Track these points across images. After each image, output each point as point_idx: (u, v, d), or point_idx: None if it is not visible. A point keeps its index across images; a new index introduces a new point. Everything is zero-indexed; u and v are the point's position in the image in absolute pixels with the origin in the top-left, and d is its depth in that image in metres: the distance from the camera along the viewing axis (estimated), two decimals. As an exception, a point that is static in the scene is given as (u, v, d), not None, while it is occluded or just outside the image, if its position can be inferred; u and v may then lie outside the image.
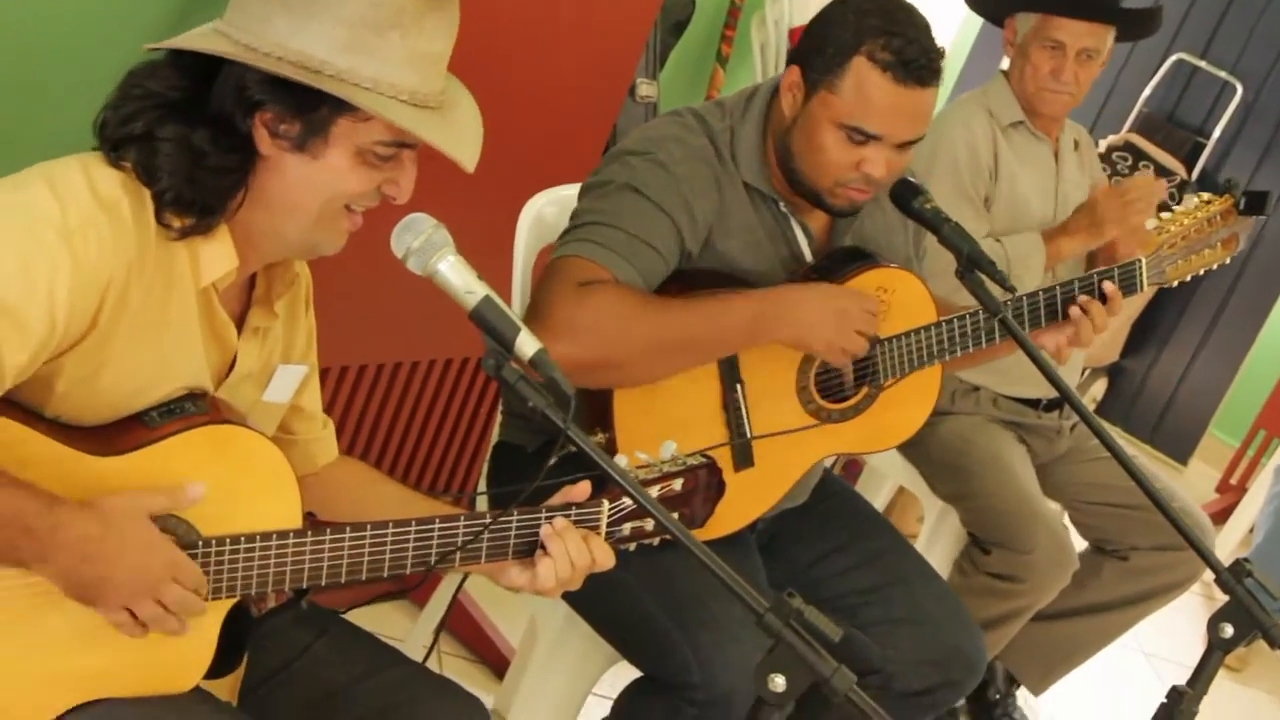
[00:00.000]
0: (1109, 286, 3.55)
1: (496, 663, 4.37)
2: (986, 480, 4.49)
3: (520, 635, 4.07)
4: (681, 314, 3.13)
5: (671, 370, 3.17)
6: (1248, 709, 5.79)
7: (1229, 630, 2.90)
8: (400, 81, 2.37)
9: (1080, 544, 4.70)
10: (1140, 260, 3.60)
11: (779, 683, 2.22)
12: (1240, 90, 7.17)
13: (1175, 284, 3.78)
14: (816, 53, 3.24)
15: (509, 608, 4.37)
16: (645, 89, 5.32)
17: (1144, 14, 4.59)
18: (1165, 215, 3.76)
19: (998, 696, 4.97)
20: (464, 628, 4.44)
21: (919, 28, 3.22)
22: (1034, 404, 4.70)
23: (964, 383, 4.61)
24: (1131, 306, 7.04)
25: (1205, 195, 3.78)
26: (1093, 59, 4.49)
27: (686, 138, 3.32)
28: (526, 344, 2.31)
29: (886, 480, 5.02)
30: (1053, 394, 4.64)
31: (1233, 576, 2.91)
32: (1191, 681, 2.91)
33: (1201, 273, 3.85)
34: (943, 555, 4.66)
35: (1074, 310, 3.55)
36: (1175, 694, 2.90)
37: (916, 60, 3.16)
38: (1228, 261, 3.82)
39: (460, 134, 2.46)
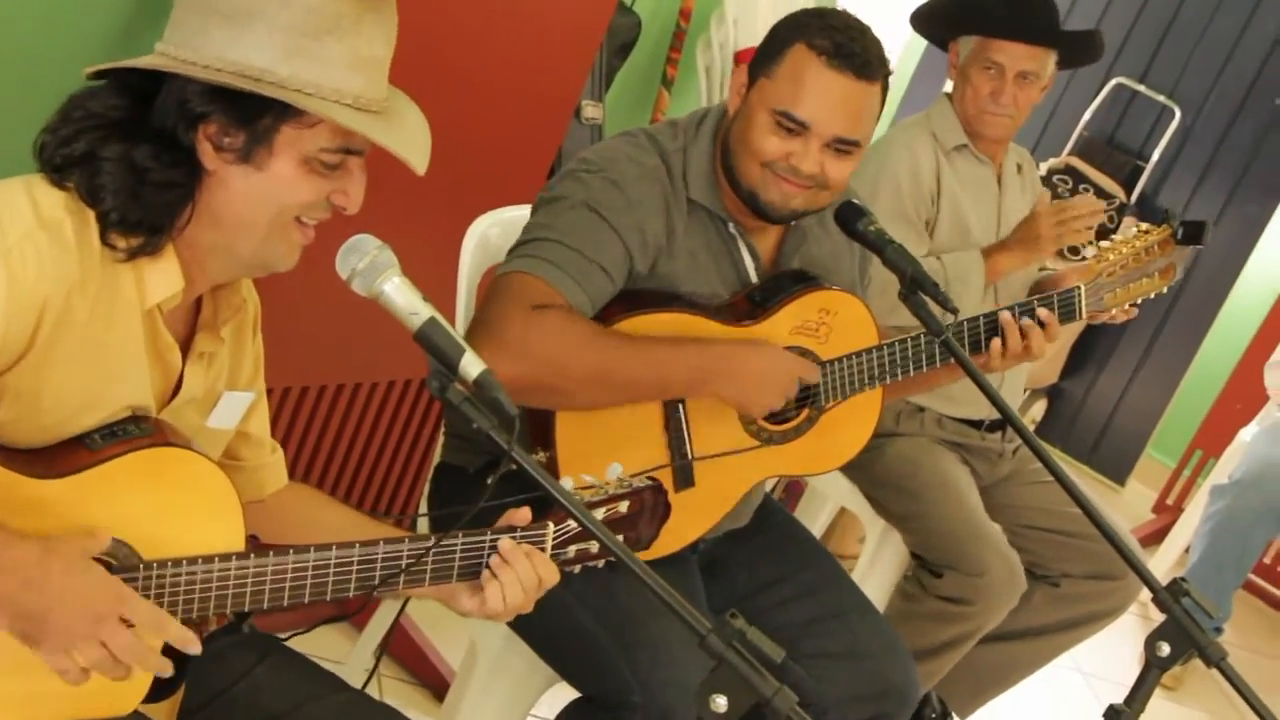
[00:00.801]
0: (1043, 313, 3.56)
1: (437, 685, 4.36)
2: (935, 502, 4.49)
3: (460, 657, 4.05)
4: (629, 354, 3.13)
5: (611, 403, 3.17)
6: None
7: (1165, 649, 2.91)
8: (343, 86, 2.36)
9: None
10: (1079, 287, 3.62)
11: (720, 703, 2.20)
12: (1179, 114, 7.22)
13: (1113, 313, 3.78)
14: (761, 51, 3.29)
15: (450, 630, 4.36)
16: (591, 111, 5.32)
17: (1083, 37, 4.62)
18: (1104, 244, 3.78)
19: (934, 715, 4.97)
20: (404, 650, 4.43)
21: (860, 29, 3.25)
22: (977, 425, 4.71)
23: (909, 404, 4.61)
24: (1070, 329, 7.07)
25: (1144, 225, 3.80)
26: (1032, 82, 4.51)
27: (640, 157, 3.32)
28: (471, 365, 2.30)
29: (828, 501, 5.01)
30: (995, 415, 4.65)
31: (1170, 596, 2.92)
32: (1129, 700, 2.91)
33: (1139, 301, 3.86)
34: (883, 577, 4.66)
35: (1025, 322, 3.58)
36: (1113, 712, 2.90)
37: (852, 49, 3.18)
38: (1165, 291, 3.84)
39: (409, 137, 2.46)
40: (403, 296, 2.32)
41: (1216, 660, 2.91)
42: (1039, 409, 7.55)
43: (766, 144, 3.22)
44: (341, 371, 4.22)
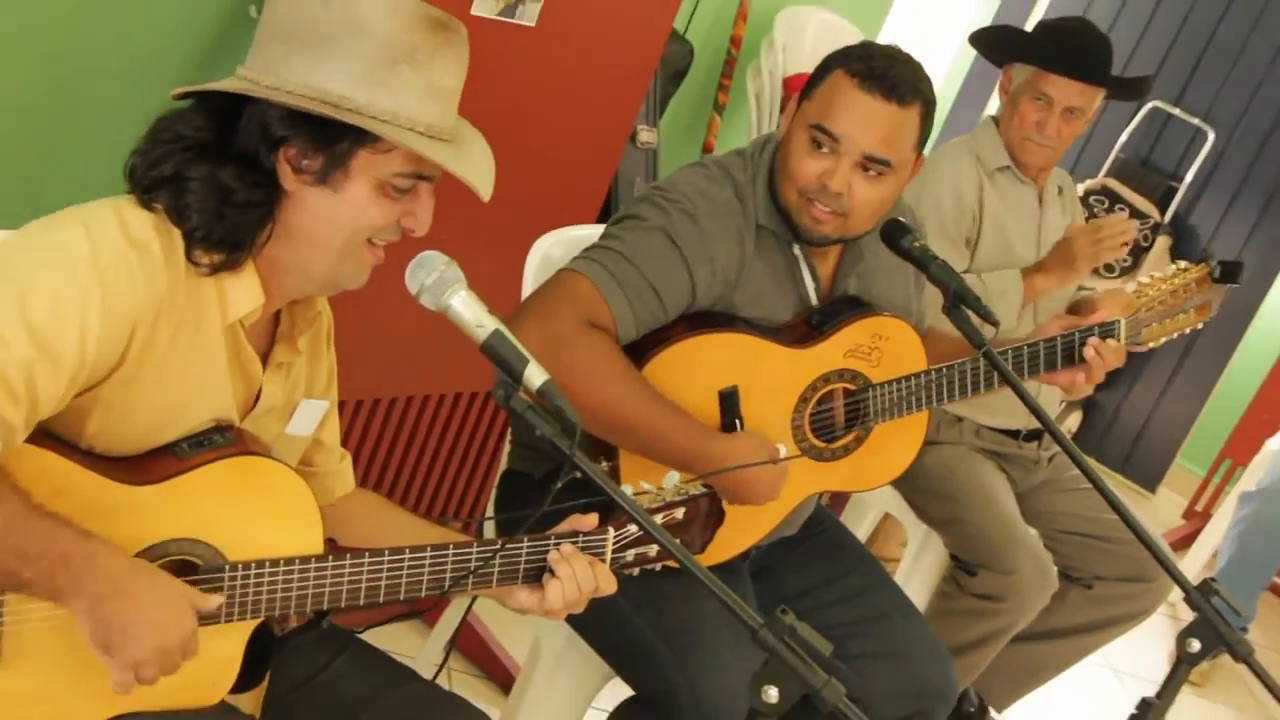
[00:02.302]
0: (1091, 346, 3.57)
1: (503, 679, 4.37)
2: (972, 506, 4.50)
3: (525, 654, 4.06)
4: (645, 407, 3.12)
5: (610, 437, 3.17)
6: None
7: (1196, 645, 2.92)
8: (417, 114, 2.37)
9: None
10: (1120, 322, 3.62)
11: (772, 694, 2.22)
12: (1212, 136, 7.18)
13: (1149, 346, 3.79)
14: (809, 81, 3.31)
15: (514, 628, 4.36)
16: (645, 135, 5.32)
17: (1134, 82, 4.61)
18: (1144, 280, 3.77)
19: (972, 710, 4.98)
20: (472, 646, 4.43)
21: (896, 58, 3.26)
22: (1014, 434, 4.71)
23: (948, 414, 4.62)
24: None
25: (1183, 263, 3.79)
26: (1078, 117, 4.51)
27: (714, 192, 3.31)
28: (535, 375, 2.31)
29: (872, 508, 5.01)
30: (1032, 425, 4.66)
31: (1201, 595, 2.94)
32: (1160, 694, 2.93)
33: (1175, 335, 3.86)
34: (924, 579, 4.66)
35: (1089, 353, 3.58)
36: (1144, 705, 2.92)
37: (886, 74, 3.19)
38: (1200, 326, 3.84)
39: (476, 165, 2.47)
40: (469, 310, 2.33)
41: (1245, 655, 2.92)
42: (1074, 420, 7.53)
43: (803, 167, 3.24)
44: (411, 384, 4.23)
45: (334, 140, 2.36)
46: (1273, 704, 5.78)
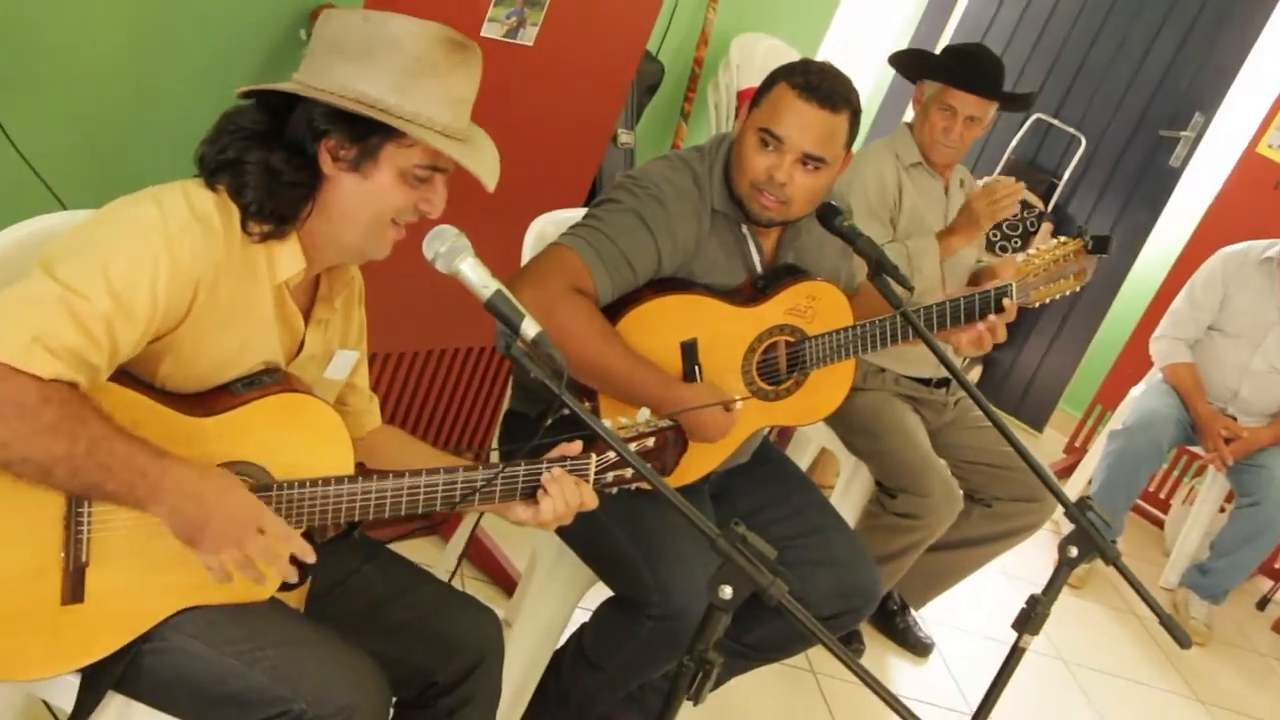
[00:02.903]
0: (1007, 301, 3.55)
1: (507, 584, 4.33)
2: (892, 441, 4.52)
3: (525, 563, 4.05)
4: (619, 359, 3.12)
5: (591, 384, 3.16)
6: (1084, 616, 5.80)
7: (1074, 551, 2.93)
8: (436, 117, 2.39)
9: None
10: (1011, 285, 3.60)
11: (727, 592, 2.21)
12: (1084, 142, 7.18)
13: (1036, 305, 3.76)
14: (757, 91, 3.31)
15: (516, 541, 4.35)
16: (625, 138, 5.32)
17: (1021, 96, 4.62)
18: (1030, 251, 3.77)
19: (895, 608, 4.99)
20: (480, 557, 4.41)
21: (829, 72, 3.26)
22: (926, 382, 4.70)
23: (872, 365, 4.62)
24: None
25: (1061, 238, 3.77)
26: (976, 124, 4.51)
27: (676, 179, 3.30)
28: (530, 328, 2.29)
29: (812, 442, 5.04)
30: (941, 374, 4.66)
31: (1078, 510, 2.94)
32: (1044, 591, 2.92)
33: (1057, 296, 3.86)
34: (854, 501, 4.66)
35: (991, 318, 3.57)
36: (1032, 600, 2.91)
37: (821, 86, 3.21)
38: (1078, 289, 3.82)
39: (484, 160, 2.47)
40: (476, 274, 2.32)
41: (1114, 559, 2.92)
42: (976, 374, 7.53)
43: (754, 162, 3.24)
44: (429, 340, 4.22)
45: (367, 135, 2.38)
46: (1138, 602, 5.81)
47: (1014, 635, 2.93)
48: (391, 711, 2.64)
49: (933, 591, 4.98)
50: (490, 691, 2.78)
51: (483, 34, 3.73)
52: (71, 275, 2.20)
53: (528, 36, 3.87)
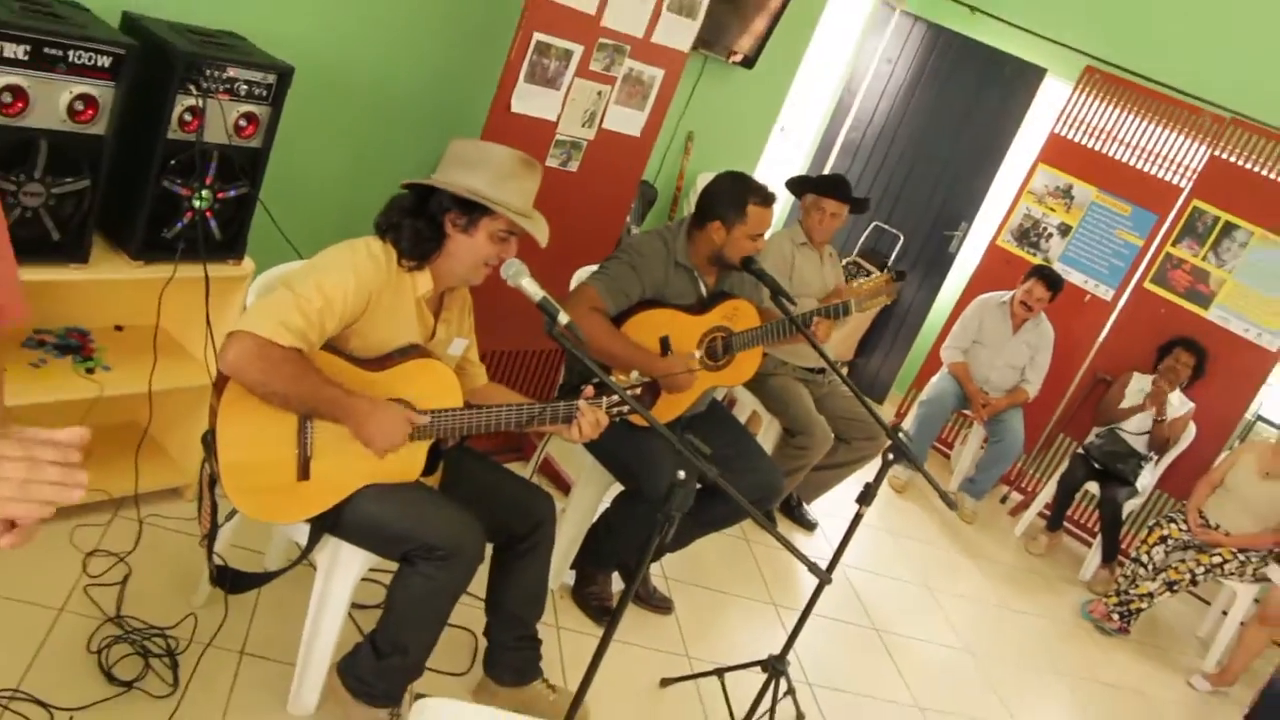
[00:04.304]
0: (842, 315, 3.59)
1: (563, 486, 4.27)
2: (792, 405, 4.43)
3: (574, 472, 4.01)
4: (621, 345, 3.07)
5: (606, 361, 3.04)
6: (904, 509, 5.70)
7: (890, 456, 2.87)
8: (513, 203, 2.38)
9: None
10: (850, 301, 3.59)
11: (682, 475, 2.17)
12: (902, 238, 7.09)
13: (864, 312, 3.75)
14: (724, 211, 3.23)
15: (570, 458, 4.29)
16: (634, 229, 5.28)
17: (862, 200, 4.53)
18: (857, 281, 3.74)
19: (795, 503, 4.93)
20: (548, 469, 4.34)
21: (764, 184, 3.25)
22: (812, 370, 4.63)
23: (780, 360, 4.55)
24: (857, 325, 7.00)
25: (878, 273, 3.75)
26: (837, 218, 4.45)
27: (652, 244, 3.26)
28: (563, 318, 2.25)
29: (747, 408, 4.94)
30: (819, 365, 4.60)
31: (893, 431, 2.91)
32: (874, 480, 2.86)
33: (878, 309, 3.84)
34: (770, 440, 4.55)
35: (822, 322, 3.55)
36: (866, 485, 2.85)
37: (770, 196, 3.22)
38: (890, 303, 3.79)
39: (540, 229, 2.44)
40: (531, 286, 2.27)
41: (912, 458, 2.87)
42: (845, 370, 7.47)
43: (749, 247, 3.23)
44: (515, 341, 4.15)
45: (472, 211, 2.37)
46: (938, 502, 5.69)
47: (856, 508, 2.89)
48: (489, 554, 2.63)
49: (816, 494, 4.89)
50: (548, 541, 2.74)
51: (546, 163, 3.72)
52: (300, 287, 2.22)
53: (573, 166, 3.84)
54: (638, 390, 2.57)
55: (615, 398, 2.50)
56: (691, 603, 3.86)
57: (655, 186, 5.55)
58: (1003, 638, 4.71)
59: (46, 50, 2.36)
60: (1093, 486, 5.72)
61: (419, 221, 2.36)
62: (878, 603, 4.53)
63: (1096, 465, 5.67)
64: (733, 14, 5.28)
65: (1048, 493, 5.93)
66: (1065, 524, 6.14)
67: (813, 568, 2.27)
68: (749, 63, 5.54)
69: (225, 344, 2.15)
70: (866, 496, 2.87)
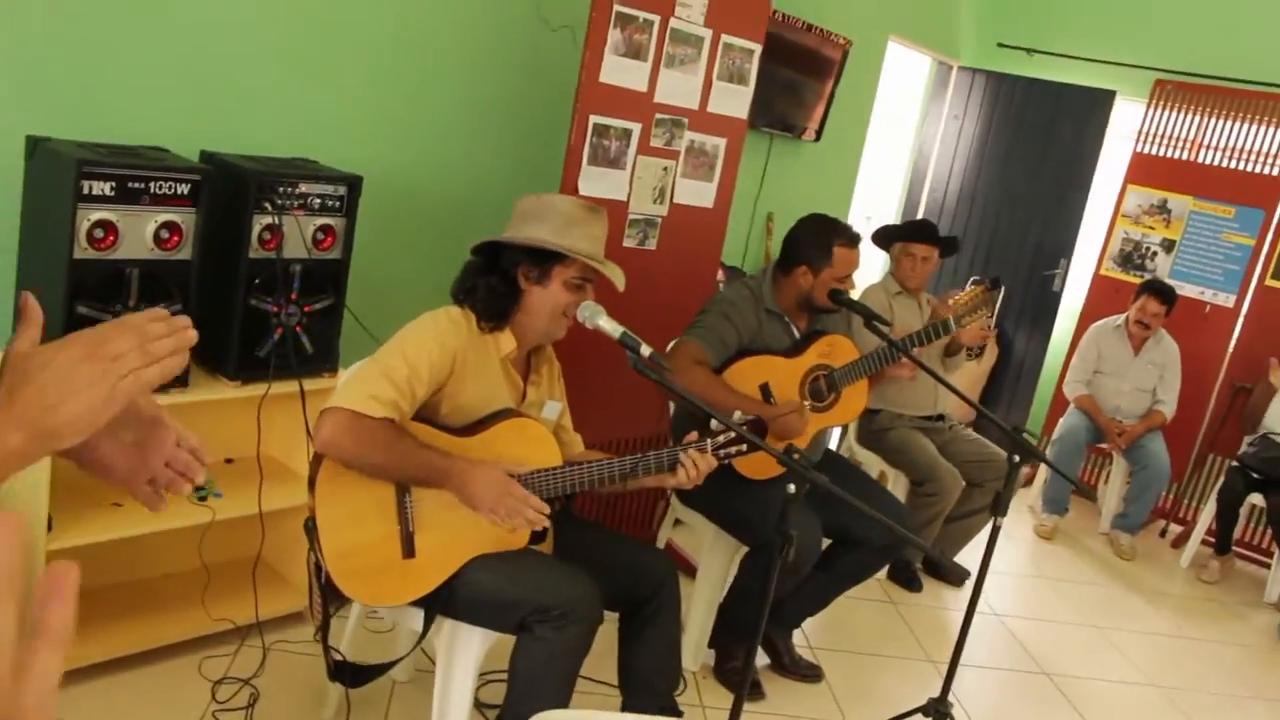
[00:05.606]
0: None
1: (690, 571, 4.06)
2: (916, 455, 4.24)
3: (696, 552, 3.83)
4: (725, 393, 2.96)
5: (712, 408, 2.92)
6: (1054, 552, 5.29)
7: (1016, 459, 2.65)
8: (583, 249, 2.33)
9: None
10: (951, 318, 3.42)
11: (791, 488, 2.06)
12: (1003, 288, 6.81)
13: (966, 325, 3.58)
14: (809, 254, 3.15)
15: (691, 538, 4.10)
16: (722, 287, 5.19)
17: (951, 240, 4.38)
18: (957, 294, 3.58)
19: (938, 555, 4.61)
20: (670, 554, 4.15)
21: (848, 224, 3.17)
22: (929, 418, 4.40)
23: (895, 412, 4.35)
24: (978, 376, 6.71)
25: (971, 287, 3.60)
26: (928, 262, 4.30)
27: (742, 294, 3.19)
28: (645, 349, 2.16)
29: (873, 468, 4.65)
30: (936, 412, 4.40)
31: (1013, 434, 2.69)
32: (1004, 487, 2.64)
33: (978, 323, 3.69)
34: (899, 492, 4.31)
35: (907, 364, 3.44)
36: (997, 495, 2.64)
37: (856, 237, 3.13)
38: (991, 315, 3.62)
39: (615, 272, 2.37)
40: (608, 324, 2.23)
41: (1041, 456, 2.63)
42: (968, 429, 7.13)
43: (830, 286, 3.13)
44: (616, 430, 4.03)
45: (544, 261, 2.34)
46: (1091, 540, 5.30)
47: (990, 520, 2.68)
48: (616, 627, 2.50)
49: (960, 545, 4.56)
50: (673, 601, 2.58)
51: (624, 244, 3.67)
52: (386, 360, 2.21)
53: (651, 244, 3.79)
54: (743, 426, 2.43)
55: (720, 439, 2.36)
56: (843, 669, 3.60)
57: (744, 270, 5.46)
58: (1190, 669, 4.26)
59: (131, 185, 2.43)
60: (1256, 498, 5.24)
61: (493, 279, 2.33)
62: (1044, 648, 4.16)
63: (1256, 475, 5.20)
64: (788, 95, 5.28)
65: (1208, 516, 5.46)
66: (1235, 547, 5.64)
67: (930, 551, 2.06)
68: (816, 136, 5.49)
69: (319, 422, 2.12)
70: (999, 505, 2.65)
